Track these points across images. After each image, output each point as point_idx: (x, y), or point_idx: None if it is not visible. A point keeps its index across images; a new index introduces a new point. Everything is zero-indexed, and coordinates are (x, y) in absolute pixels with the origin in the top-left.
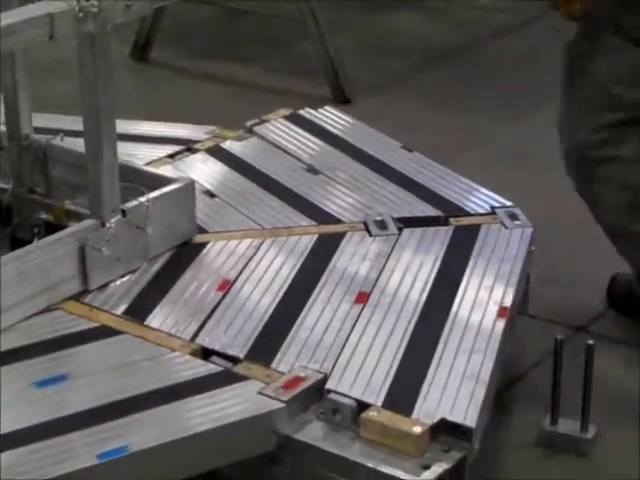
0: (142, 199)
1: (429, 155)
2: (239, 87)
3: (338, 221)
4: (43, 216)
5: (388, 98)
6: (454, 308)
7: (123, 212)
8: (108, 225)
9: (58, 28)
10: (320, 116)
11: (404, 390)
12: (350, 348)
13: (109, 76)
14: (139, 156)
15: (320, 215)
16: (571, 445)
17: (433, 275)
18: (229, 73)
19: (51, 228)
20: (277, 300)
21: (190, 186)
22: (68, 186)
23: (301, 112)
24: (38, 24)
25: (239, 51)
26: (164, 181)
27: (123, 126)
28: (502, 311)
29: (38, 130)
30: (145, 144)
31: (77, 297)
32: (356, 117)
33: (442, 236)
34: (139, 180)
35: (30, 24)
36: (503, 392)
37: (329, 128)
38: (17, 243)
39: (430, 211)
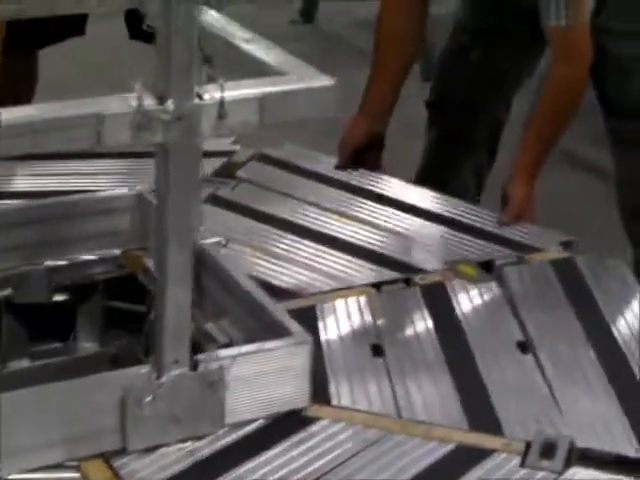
0: (222, 351)
1: None
2: None
3: (494, 431)
4: None
5: None
6: None
7: (195, 364)
8: (165, 378)
9: (108, 132)
10: None
11: None
12: None
13: (187, 199)
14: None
15: (476, 417)
16: None
17: None
18: None
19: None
20: None
21: (305, 346)
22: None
23: None
24: (84, 124)
25: None
26: (278, 329)
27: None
28: None
29: None
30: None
31: (109, 456)
32: None
33: None
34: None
35: (74, 122)
36: None
37: None
38: None
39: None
